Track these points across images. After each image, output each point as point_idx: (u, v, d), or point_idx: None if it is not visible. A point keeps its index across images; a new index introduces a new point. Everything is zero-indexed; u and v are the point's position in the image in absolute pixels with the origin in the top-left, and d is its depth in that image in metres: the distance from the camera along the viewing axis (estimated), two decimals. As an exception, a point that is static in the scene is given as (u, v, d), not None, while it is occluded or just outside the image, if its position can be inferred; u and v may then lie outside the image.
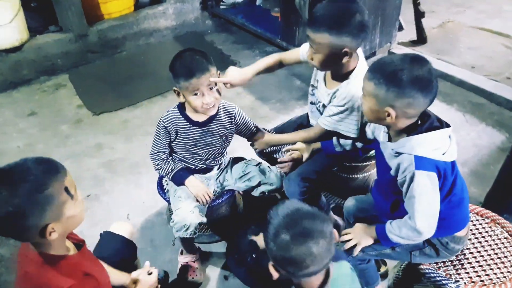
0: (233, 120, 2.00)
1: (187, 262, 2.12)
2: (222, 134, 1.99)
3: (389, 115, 1.35)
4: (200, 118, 1.92)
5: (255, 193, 2.10)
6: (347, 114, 1.81)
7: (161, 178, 2.21)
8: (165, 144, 1.96)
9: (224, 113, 1.98)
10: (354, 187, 2.21)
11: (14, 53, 3.61)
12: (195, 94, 1.77)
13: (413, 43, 3.76)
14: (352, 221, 1.81)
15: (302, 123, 2.23)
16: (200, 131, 1.94)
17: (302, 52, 1.99)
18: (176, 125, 1.91)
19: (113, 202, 2.60)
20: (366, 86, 1.38)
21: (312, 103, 2.06)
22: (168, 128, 1.91)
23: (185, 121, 1.91)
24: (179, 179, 1.96)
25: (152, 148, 1.99)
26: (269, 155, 2.19)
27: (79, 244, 1.35)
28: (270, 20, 3.93)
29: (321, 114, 1.94)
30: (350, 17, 1.60)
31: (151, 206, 2.53)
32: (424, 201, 1.37)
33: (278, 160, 2.07)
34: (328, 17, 1.61)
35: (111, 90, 3.59)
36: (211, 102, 1.80)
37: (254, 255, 1.94)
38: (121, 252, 1.70)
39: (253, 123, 2.09)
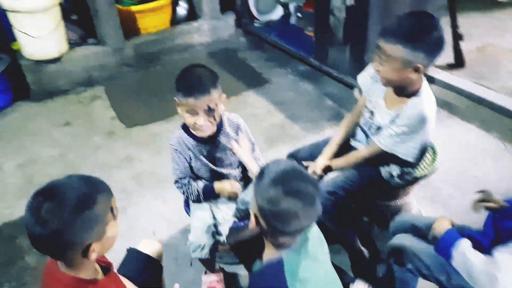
0: (238, 131, 1.95)
1: (210, 283, 2.09)
2: (230, 147, 1.95)
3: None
4: (205, 134, 1.88)
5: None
6: (410, 136, 1.74)
7: (187, 194, 2.19)
8: (184, 168, 1.92)
9: (229, 125, 1.94)
10: (386, 215, 2.13)
11: (53, 64, 3.72)
12: (190, 113, 1.74)
13: (450, 67, 3.65)
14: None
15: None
16: (208, 148, 1.90)
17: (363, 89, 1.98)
18: (187, 145, 1.88)
19: (139, 216, 2.60)
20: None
21: (361, 127, 2.01)
22: (181, 151, 1.89)
23: (193, 139, 1.88)
24: (209, 193, 1.93)
25: (174, 176, 1.95)
26: None
27: (107, 267, 1.33)
28: (303, 38, 3.92)
29: (370, 136, 1.89)
30: (427, 33, 1.53)
31: (176, 222, 2.52)
32: None
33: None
34: (404, 30, 1.55)
35: (144, 103, 3.64)
36: (204, 126, 1.75)
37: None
38: (146, 271, 1.68)
39: (254, 145, 2.03)
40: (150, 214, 2.61)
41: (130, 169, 2.97)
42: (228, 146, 1.94)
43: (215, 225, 1.95)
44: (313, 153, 2.11)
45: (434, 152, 2.13)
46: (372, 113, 1.91)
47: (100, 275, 1.27)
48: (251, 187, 2.02)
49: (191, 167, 1.94)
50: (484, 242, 1.46)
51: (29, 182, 2.83)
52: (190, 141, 1.88)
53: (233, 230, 2.01)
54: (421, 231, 1.68)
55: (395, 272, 1.62)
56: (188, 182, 1.94)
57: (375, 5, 2.82)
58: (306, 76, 3.85)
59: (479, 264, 1.32)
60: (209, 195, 1.93)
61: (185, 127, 1.89)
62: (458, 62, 3.63)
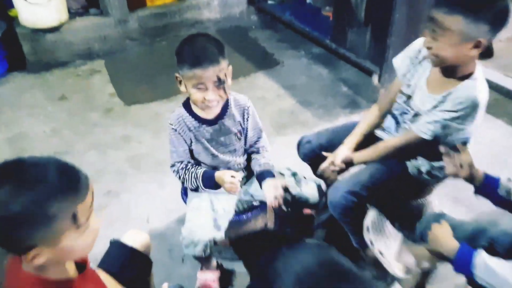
0: (244, 115, 1.75)
1: (206, 280, 1.89)
2: (236, 131, 1.75)
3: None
4: (207, 115, 1.68)
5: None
6: (458, 122, 1.51)
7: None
8: (183, 151, 1.72)
9: (236, 106, 1.73)
10: (405, 213, 1.91)
11: (52, 34, 3.50)
12: (199, 88, 1.53)
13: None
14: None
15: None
16: (211, 130, 1.70)
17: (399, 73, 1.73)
18: (187, 126, 1.68)
19: (133, 202, 2.40)
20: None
21: (392, 113, 1.78)
22: (180, 132, 1.68)
23: (194, 120, 1.68)
24: (209, 181, 1.70)
25: (171, 161, 1.75)
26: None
27: (82, 265, 1.12)
28: (320, 19, 3.66)
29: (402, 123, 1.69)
30: (492, 1, 1.33)
31: (173, 210, 2.32)
32: None
33: (321, 168, 1.80)
34: None
35: (146, 80, 3.41)
36: (214, 100, 1.55)
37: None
38: (131, 267, 1.47)
39: (261, 132, 1.83)
40: (145, 199, 2.41)
41: (127, 150, 2.76)
42: (232, 129, 1.73)
43: (214, 219, 1.74)
44: (332, 140, 1.89)
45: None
46: (409, 97, 1.68)
47: (73, 274, 1.07)
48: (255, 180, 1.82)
49: (191, 151, 1.74)
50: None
51: (17, 158, 2.64)
52: (192, 122, 1.68)
53: (233, 223, 1.82)
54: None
55: None
56: (186, 166, 1.73)
57: (403, -18, 2.55)
58: (320, 60, 3.60)
59: (507, 272, 1.18)
60: (209, 184, 1.70)
61: (186, 105, 1.69)
62: (486, 53, 3.35)
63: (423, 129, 1.57)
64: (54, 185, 0.87)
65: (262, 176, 1.75)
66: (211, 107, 1.59)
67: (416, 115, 1.64)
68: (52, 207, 0.86)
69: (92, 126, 2.97)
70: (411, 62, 1.68)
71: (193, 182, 1.71)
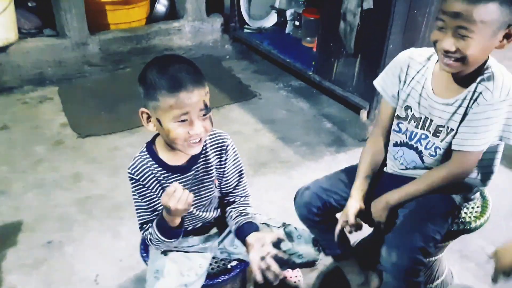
0: (222, 156, 1.37)
1: None
2: (213, 178, 1.38)
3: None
4: (178, 160, 1.31)
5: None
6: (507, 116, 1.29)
7: (146, 234, 1.56)
8: (150, 208, 1.33)
9: (212, 145, 1.36)
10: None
11: (-3, 54, 3.06)
12: (182, 120, 1.16)
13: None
14: None
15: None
16: (183, 180, 1.33)
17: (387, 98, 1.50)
18: (154, 175, 1.30)
19: (79, 256, 1.95)
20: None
21: (400, 144, 1.47)
22: (144, 183, 1.29)
23: (160, 168, 1.30)
24: (165, 228, 1.26)
25: (139, 219, 1.35)
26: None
27: None
28: (301, 50, 3.39)
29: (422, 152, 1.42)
30: None
31: (129, 267, 1.88)
32: None
33: (336, 233, 1.47)
34: None
35: (106, 110, 3.00)
36: (200, 134, 1.20)
37: None
38: None
39: (242, 176, 1.46)
40: (94, 253, 1.96)
41: (76, 191, 2.32)
42: (209, 177, 1.37)
43: (185, 284, 1.36)
44: (333, 184, 1.55)
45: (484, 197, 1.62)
46: (420, 120, 1.41)
47: None
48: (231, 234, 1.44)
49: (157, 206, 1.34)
50: None
51: None
52: (158, 169, 1.30)
53: (210, 286, 1.44)
54: None
55: None
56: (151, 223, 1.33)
57: (399, 10, 2.31)
58: (300, 93, 3.32)
59: None
60: (168, 232, 1.28)
61: (150, 150, 1.30)
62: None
63: (474, 142, 1.30)
64: None
65: (243, 231, 1.37)
66: (195, 145, 1.23)
67: (449, 130, 1.35)
68: None
69: (36, 162, 2.51)
70: (400, 79, 1.44)
71: (155, 240, 1.30)
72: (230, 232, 1.46)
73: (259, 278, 1.26)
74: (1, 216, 2.15)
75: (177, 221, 1.25)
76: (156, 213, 1.32)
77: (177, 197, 1.16)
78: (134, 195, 1.33)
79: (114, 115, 2.94)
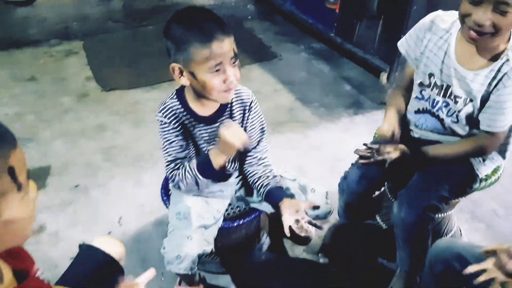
0: (246, 111, 1.41)
1: (183, 298, 1.56)
2: None
3: None
4: (206, 111, 1.35)
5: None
6: None
7: (167, 179, 1.64)
8: (180, 147, 1.35)
9: (237, 100, 1.39)
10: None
11: (25, 8, 3.14)
12: (216, 70, 1.19)
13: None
14: (440, 269, 1.26)
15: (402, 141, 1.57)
16: (209, 130, 1.37)
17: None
18: (183, 122, 1.35)
19: (104, 200, 2.06)
20: None
21: (422, 111, 1.49)
22: (174, 125, 1.33)
23: (189, 116, 1.34)
24: (207, 168, 1.31)
25: (166, 164, 1.37)
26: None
27: (23, 272, 0.80)
28: (323, 11, 3.36)
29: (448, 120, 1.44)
30: None
31: (150, 212, 1.98)
32: None
33: (361, 152, 1.48)
34: None
35: (128, 65, 3.06)
36: (234, 81, 1.22)
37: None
38: (103, 280, 1.13)
39: (264, 133, 1.49)
40: (118, 198, 2.06)
41: (101, 141, 2.41)
42: None
43: (203, 229, 1.43)
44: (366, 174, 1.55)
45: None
46: (442, 88, 1.41)
47: (7, 283, 0.74)
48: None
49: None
50: None
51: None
52: (188, 118, 1.34)
53: (222, 231, 1.51)
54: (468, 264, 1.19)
55: None
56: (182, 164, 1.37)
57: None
58: (321, 55, 3.32)
59: None
60: (208, 171, 1.32)
61: (181, 98, 1.34)
62: None
63: (500, 122, 1.34)
64: None
65: (274, 195, 1.41)
66: (229, 93, 1.25)
67: (468, 101, 1.38)
68: None
69: (63, 112, 2.61)
70: (423, 43, 1.43)
71: (189, 178, 1.34)
72: (247, 182, 1.53)
73: (287, 234, 1.31)
74: (30, 161, 2.23)
75: (222, 161, 1.29)
76: (185, 154, 1.36)
77: (236, 132, 1.22)
78: (163, 136, 1.35)
79: (136, 70, 3.01)
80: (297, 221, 1.32)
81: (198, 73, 1.21)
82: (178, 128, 1.34)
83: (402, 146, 1.43)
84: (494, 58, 1.30)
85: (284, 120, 2.64)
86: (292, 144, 2.45)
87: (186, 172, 1.33)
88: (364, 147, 1.47)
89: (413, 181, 1.47)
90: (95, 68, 3.02)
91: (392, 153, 1.41)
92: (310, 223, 1.34)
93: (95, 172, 2.20)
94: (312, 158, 2.33)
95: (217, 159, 1.29)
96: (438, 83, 1.42)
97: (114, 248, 1.20)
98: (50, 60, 3.12)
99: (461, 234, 1.87)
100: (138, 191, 2.10)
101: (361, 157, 1.46)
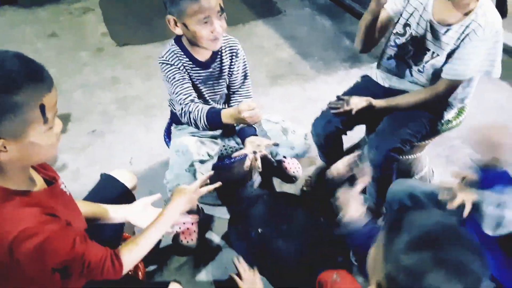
0: (233, 57, 1.63)
1: (184, 223, 1.83)
2: (226, 77, 1.65)
3: None
4: (202, 56, 1.56)
5: (274, 156, 1.78)
6: (496, 47, 1.48)
7: (170, 123, 1.90)
8: (189, 88, 1.55)
9: (226, 48, 1.61)
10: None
11: (45, -33, 3.33)
12: (205, 22, 1.41)
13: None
14: (396, 208, 1.49)
15: (372, 90, 1.75)
16: (204, 74, 1.60)
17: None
18: (183, 64, 1.56)
19: (118, 143, 2.33)
20: None
21: (394, 56, 1.67)
22: (177, 66, 1.54)
23: (189, 60, 1.56)
24: (215, 119, 1.48)
25: (179, 101, 1.53)
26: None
27: (51, 181, 1.06)
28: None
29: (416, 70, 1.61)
30: None
31: (158, 154, 2.25)
32: None
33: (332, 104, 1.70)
34: None
35: (142, 22, 3.27)
36: (220, 32, 1.45)
37: (259, 230, 1.64)
38: (118, 200, 1.41)
39: (247, 78, 1.69)
40: (129, 142, 2.34)
41: (115, 92, 2.67)
42: (220, 74, 1.63)
43: (199, 163, 1.67)
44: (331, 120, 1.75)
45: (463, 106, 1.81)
46: (415, 38, 1.58)
47: (40, 186, 1.01)
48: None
49: None
50: None
51: None
52: (187, 61, 1.56)
53: (217, 168, 1.74)
54: (419, 202, 1.41)
55: None
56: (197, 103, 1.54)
57: None
58: (325, 11, 3.43)
59: None
60: (214, 120, 1.49)
61: (179, 44, 1.55)
62: (500, 12, 3.18)
63: (460, 71, 1.50)
64: (18, 72, 0.83)
65: (244, 132, 1.61)
66: (217, 41, 1.48)
67: (435, 55, 1.54)
68: (18, 94, 0.82)
69: (81, 66, 2.87)
70: None
71: (197, 116, 1.51)
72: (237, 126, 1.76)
73: (246, 168, 1.52)
74: (54, 109, 2.54)
75: (230, 122, 1.47)
76: (193, 91, 1.54)
77: (255, 111, 1.38)
78: (172, 77, 1.53)
79: (149, 26, 3.21)
80: (255, 152, 1.52)
81: (189, 24, 1.43)
82: (182, 69, 1.55)
83: (368, 98, 1.63)
84: (465, 15, 1.45)
85: (283, 73, 2.82)
86: (290, 96, 2.64)
87: (198, 111, 1.49)
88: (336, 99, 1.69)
89: (380, 126, 1.68)
90: (110, 25, 3.23)
91: (358, 103, 1.62)
92: (266, 157, 1.54)
93: (110, 119, 2.47)
94: (308, 110, 2.49)
95: (227, 119, 1.46)
96: (413, 34, 1.59)
97: (128, 179, 1.49)
98: (69, 17, 3.34)
99: (433, 175, 2.07)
100: (148, 136, 2.36)
101: (332, 108, 1.68)
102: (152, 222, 1.16)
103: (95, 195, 1.39)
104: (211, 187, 1.35)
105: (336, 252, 1.75)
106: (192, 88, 1.57)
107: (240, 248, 1.66)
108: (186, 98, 1.53)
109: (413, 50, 1.61)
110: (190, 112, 1.51)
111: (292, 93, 2.67)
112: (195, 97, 1.56)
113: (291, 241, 1.61)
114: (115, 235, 1.39)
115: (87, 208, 1.24)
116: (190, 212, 1.81)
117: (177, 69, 1.54)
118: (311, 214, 1.74)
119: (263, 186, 2.08)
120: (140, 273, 1.36)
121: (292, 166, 2.08)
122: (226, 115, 1.47)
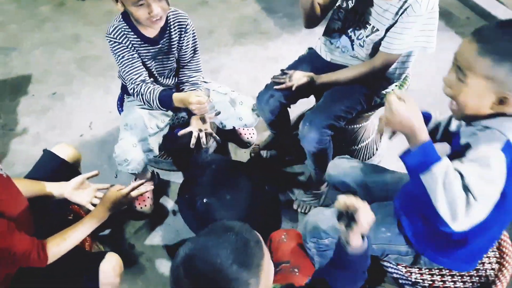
0: (182, 32, 1.63)
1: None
2: (175, 52, 1.66)
3: (504, 101, 0.97)
4: (150, 32, 1.57)
5: (225, 126, 1.86)
6: (432, 23, 1.49)
7: (123, 93, 1.93)
8: (140, 67, 1.59)
9: (175, 24, 1.61)
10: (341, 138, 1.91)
11: None
12: (140, 4, 1.40)
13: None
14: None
15: (315, 64, 1.79)
16: (152, 50, 1.61)
17: None
18: (131, 42, 1.56)
19: (77, 106, 2.37)
20: (477, 64, 0.96)
21: (337, 30, 1.68)
22: (125, 43, 1.55)
23: (136, 36, 1.56)
24: (167, 102, 1.58)
25: (131, 81, 1.58)
26: None
27: None
28: None
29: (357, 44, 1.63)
30: None
31: (117, 117, 2.25)
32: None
33: (276, 79, 1.75)
34: None
35: (103, -28, 3.15)
36: (159, 14, 1.44)
37: (204, 200, 1.74)
38: (59, 175, 1.47)
39: (197, 52, 1.71)
40: (89, 105, 2.37)
41: (76, 51, 2.65)
42: (169, 49, 1.64)
43: (147, 137, 1.72)
44: (273, 94, 1.79)
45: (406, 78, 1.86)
46: (356, 12, 1.60)
47: None
48: None
49: None
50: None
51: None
52: (135, 38, 1.56)
53: (168, 138, 1.82)
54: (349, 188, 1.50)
55: None
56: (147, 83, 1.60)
57: None
58: (295, -38, 3.32)
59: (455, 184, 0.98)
60: (166, 103, 1.59)
61: (127, 19, 1.54)
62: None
63: (397, 46, 1.52)
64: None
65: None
66: (157, 22, 1.48)
67: (375, 30, 1.57)
68: None
69: (41, 21, 2.81)
70: None
71: (148, 97, 1.59)
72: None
73: (192, 142, 1.61)
74: (14, 69, 2.54)
75: (180, 105, 1.55)
76: (144, 70, 1.59)
77: (203, 106, 1.49)
78: (120, 55, 1.56)
79: (111, -23, 3.10)
80: (200, 130, 1.61)
81: (125, 4, 1.43)
82: (130, 47, 1.56)
83: (310, 74, 1.67)
84: None
85: (247, 31, 2.80)
86: (251, 56, 2.65)
87: (149, 93, 1.57)
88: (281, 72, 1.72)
89: (318, 102, 1.73)
90: (72, -25, 3.11)
91: (300, 79, 1.66)
92: (211, 134, 1.64)
93: (70, 81, 2.48)
94: (268, 69, 2.52)
95: (178, 104, 1.55)
96: (355, 7, 1.60)
97: (70, 153, 1.54)
98: (29, -34, 3.21)
99: (380, 142, 2.16)
100: (107, 99, 2.39)
101: (276, 82, 1.72)
102: (81, 220, 1.24)
103: (36, 172, 1.44)
104: (142, 191, 1.41)
105: (280, 221, 1.88)
106: (141, 66, 1.60)
107: (187, 217, 1.76)
108: (137, 78, 1.58)
109: (354, 24, 1.63)
110: (142, 94, 1.58)
111: (254, 52, 2.67)
112: (145, 76, 1.60)
113: (234, 211, 1.71)
114: (60, 208, 1.47)
115: (27, 187, 1.29)
116: (144, 178, 1.92)
117: (125, 47, 1.55)
118: (257, 183, 1.83)
119: (218, 151, 2.16)
120: (86, 244, 1.45)
121: (247, 132, 2.15)
122: (177, 99, 1.55)
